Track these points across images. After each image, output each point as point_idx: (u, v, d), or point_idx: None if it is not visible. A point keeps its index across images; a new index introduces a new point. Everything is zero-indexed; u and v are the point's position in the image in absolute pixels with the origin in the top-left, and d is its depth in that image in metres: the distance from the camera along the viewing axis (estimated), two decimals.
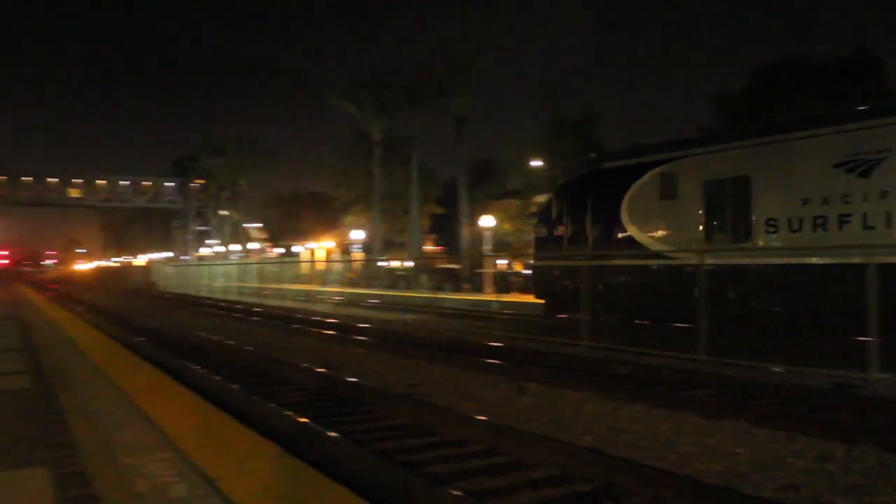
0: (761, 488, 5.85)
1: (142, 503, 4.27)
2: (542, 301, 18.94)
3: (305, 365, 12.60)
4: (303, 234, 73.72)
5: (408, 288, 43.17)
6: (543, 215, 20.25)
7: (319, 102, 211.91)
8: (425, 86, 52.41)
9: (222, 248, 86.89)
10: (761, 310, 13.21)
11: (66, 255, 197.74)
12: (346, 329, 19.55)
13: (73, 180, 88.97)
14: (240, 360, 14.38)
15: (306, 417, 8.13)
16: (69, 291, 61.04)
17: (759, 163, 14.24)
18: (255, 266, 46.87)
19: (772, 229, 13.91)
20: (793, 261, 13.20)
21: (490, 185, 60.96)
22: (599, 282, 15.84)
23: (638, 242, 16.32)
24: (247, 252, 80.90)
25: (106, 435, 5.94)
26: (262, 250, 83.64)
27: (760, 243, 14.09)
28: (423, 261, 44.03)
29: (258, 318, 24.53)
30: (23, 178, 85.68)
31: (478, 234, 46.74)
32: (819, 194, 13.19)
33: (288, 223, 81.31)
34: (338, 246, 66.13)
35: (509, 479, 6.17)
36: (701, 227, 15.24)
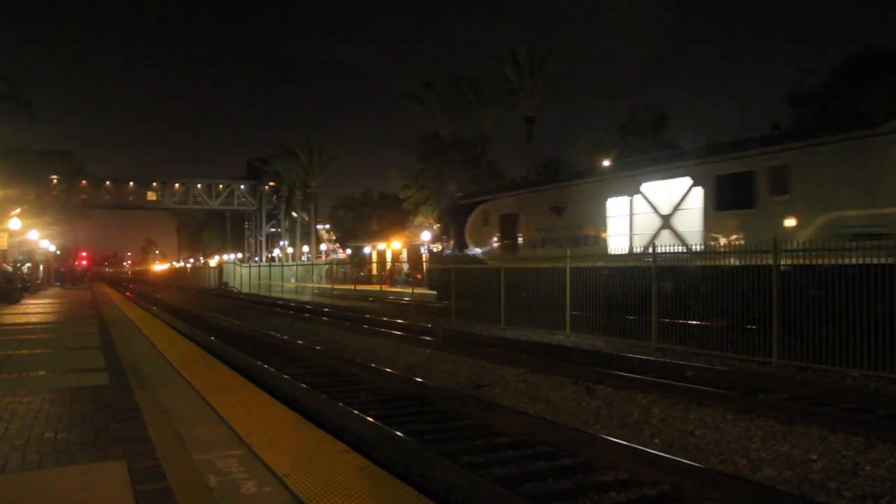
0: None
1: (213, 498, 4.34)
2: (435, 292, 27.29)
3: (374, 365, 12.71)
4: (372, 235, 74.16)
5: None
6: (438, 235, 29.32)
7: (391, 104, 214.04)
8: (494, 87, 52.20)
9: (292, 250, 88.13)
10: (528, 297, 18.95)
11: (143, 256, 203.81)
12: (412, 329, 19.63)
13: (151, 183, 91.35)
14: (309, 359, 14.60)
15: (374, 417, 8.19)
16: (145, 291, 62.92)
17: (521, 205, 22.72)
18: (325, 267, 47.42)
19: (527, 246, 21.80)
20: (531, 265, 19.63)
21: None
22: (461, 279, 22.88)
23: (473, 253, 24.47)
24: (318, 253, 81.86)
25: (179, 431, 6.08)
26: (329, 252, 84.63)
27: (522, 255, 21.60)
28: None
29: (327, 319, 24.82)
30: (106, 183, 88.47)
31: None
32: (544, 226, 21.24)
33: (358, 224, 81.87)
34: (405, 247, 66.34)
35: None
36: (498, 245, 23.35)
